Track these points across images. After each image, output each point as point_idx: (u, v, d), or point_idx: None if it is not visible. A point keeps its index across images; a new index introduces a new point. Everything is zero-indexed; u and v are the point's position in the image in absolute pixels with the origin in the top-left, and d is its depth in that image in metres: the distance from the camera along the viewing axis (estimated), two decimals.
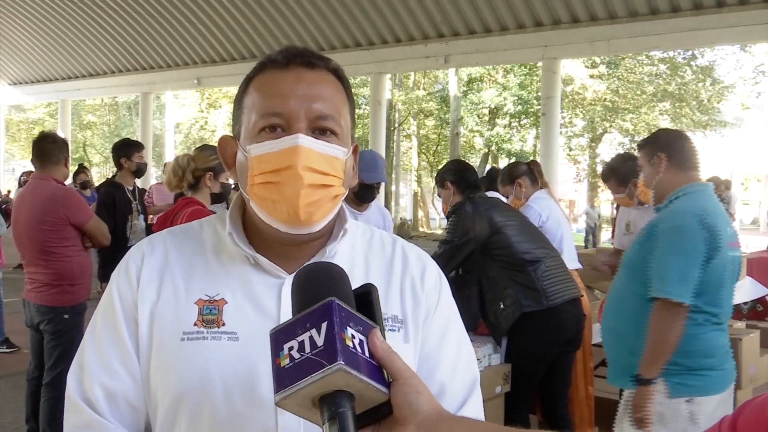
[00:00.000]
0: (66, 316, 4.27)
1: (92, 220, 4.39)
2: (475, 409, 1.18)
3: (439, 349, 1.17)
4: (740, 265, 2.80)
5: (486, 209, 3.77)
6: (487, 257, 3.75)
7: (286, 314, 1.07)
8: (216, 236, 1.18)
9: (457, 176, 4.02)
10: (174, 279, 1.13)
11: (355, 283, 1.09)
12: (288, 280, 1.11)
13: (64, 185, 4.41)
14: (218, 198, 3.55)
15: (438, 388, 1.14)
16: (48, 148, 4.35)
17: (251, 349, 1.07)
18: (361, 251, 1.20)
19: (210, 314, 1.10)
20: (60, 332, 4.27)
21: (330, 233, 1.16)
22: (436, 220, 29.21)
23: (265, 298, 1.11)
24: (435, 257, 3.64)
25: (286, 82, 1.09)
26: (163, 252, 1.16)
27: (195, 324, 1.09)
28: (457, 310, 1.25)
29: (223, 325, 1.09)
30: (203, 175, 3.50)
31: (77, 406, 1.12)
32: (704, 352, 2.66)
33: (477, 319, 3.87)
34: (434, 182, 4.42)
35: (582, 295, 3.95)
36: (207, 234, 1.19)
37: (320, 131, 1.08)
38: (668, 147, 2.84)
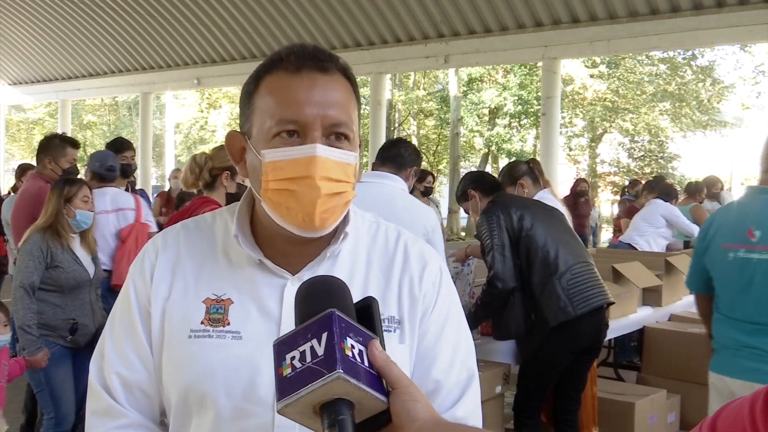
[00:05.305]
0: None
1: None
2: (470, 407, 1.19)
3: (435, 347, 1.19)
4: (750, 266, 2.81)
5: (516, 210, 3.59)
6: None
7: (288, 315, 1.11)
8: (226, 232, 1.21)
9: (476, 182, 3.95)
10: (185, 276, 1.18)
11: (356, 282, 1.10)
12: (290, 281, 1.15)
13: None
14: (233, 198, 3.51)
15: (433, 385, 1.16)
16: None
17: (253, 349, 1.11)
18: (363, 249, 1.22)
19: (216, 313, 1.14)
20: None
21: (335, 232, 1.18)
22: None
23: (268, 299, 1.14)
24: (492, 279, 3.54)
25: (300, 89, 1.09)
26: (176, 248, 1.21)
27: (202, 322, 1.14)
28: (459, 305, 1.26)
29: (228, 324, 1.13)
30: (220, 174, 3.48)
31: (98, 393, 1.19)
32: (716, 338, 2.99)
33: (522, 327, 3.61)
34: (457, 199, 4.25)
35: (611, 303, 3.73)
36: (218, 228, 1.23)
37: (335, 137, 1.10)
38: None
